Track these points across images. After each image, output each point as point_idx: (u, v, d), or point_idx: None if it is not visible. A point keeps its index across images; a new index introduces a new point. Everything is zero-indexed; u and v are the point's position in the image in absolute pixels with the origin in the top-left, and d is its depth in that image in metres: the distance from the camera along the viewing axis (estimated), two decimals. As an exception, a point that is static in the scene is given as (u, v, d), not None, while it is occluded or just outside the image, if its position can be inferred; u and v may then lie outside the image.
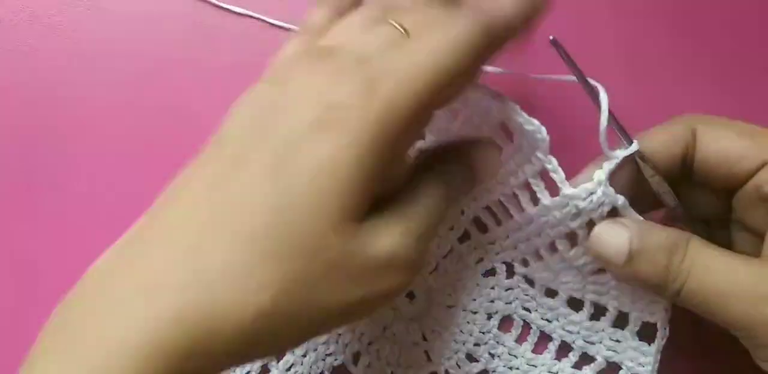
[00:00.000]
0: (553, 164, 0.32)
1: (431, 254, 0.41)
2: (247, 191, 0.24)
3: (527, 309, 0.40)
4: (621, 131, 0.33)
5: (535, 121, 0.31)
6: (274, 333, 0.24)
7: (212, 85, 0.46)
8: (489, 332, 0.40)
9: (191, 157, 0.45)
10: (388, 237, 0.26)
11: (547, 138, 0.31)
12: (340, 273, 0.25)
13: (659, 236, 0.30)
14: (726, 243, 0.34)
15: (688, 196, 0.35)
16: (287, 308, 0.23)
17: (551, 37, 0.33)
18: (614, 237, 0.31)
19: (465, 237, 0.41)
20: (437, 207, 0.29)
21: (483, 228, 0.40)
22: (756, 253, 0.31)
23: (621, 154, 0.32)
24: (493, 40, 0.27)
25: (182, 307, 0.22)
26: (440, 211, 0.29)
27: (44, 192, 0.44)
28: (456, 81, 0.26)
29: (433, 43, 0.26)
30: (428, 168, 0.30)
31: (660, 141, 0.33)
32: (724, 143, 0.32)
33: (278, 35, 0.47)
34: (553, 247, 0.36)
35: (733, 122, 0.33)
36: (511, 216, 0.37)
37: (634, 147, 0.32)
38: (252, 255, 0.23)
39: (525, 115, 0.31)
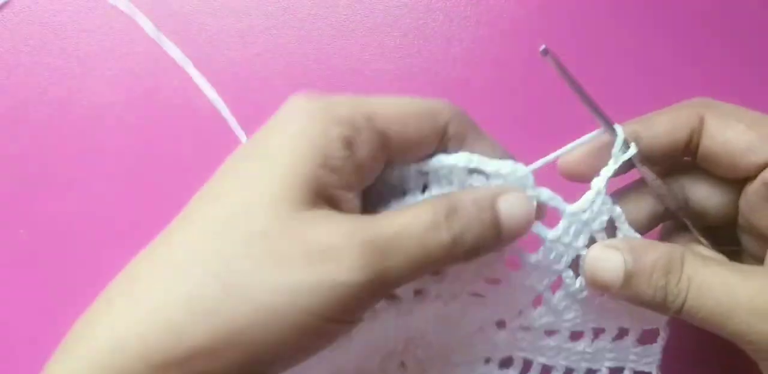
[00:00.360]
0: (545, 193, 0.31)
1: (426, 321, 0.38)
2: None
3: (526, 351, 0.39)
4: (607, 124, 0.31)
5: (508, 163, 0.30)
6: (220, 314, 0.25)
7: (214, 82, 0.46)
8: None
9: (190, 153, 0.44)
10: (331, 229, 0.26)
11: (529, 173, 0.30)
12: (276, 251, 0.26)
13: (653, 256, 0.30)
14: (733, 246, 0.34)
15: (692, 189, 0.34)
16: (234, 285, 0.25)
17: (542, 47, 0.31)
18: (607, 261, 0.30)
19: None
20: (416, 223, 0.27)
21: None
22: (763, 257, 0.30)
23: (618, 157, 0.31)
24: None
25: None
26: (419, 228, 0.27)
27: (42, 194, 0.44)
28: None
29: None
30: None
31: (664, 126, 0.32)
32: (731, 135, 0.31)
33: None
34: (557, 285, 0.34)
35: (745, 111, 0.32)
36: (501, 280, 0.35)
37: (632, 150, 0.31)
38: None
39: (494, 161, 0.30)
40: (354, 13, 0.47)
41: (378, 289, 0.27)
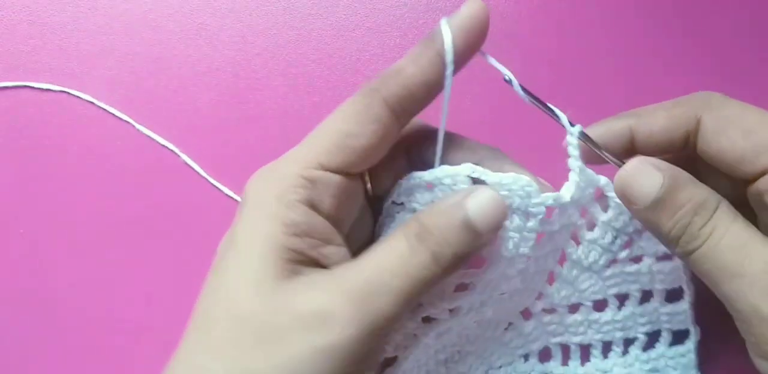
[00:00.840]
0: (551, 197, 0.31)
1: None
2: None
3: (558, 334, 0.40)
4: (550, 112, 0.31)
5: (510, 174, 0.31)
6: None
7: (212, 83, 0.46)
8: (533, 371, 0.40)
9: (190, 151, 0.44)
10: (315, 292, 0.28)
11: (532, 182, 0.31)
12: (268, 328, 0.27)
13: (690, 192, 0.29)
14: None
15: (698, 176, 0.33)
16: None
17: (506, 77, 0.32)
18: (646, 178, 0.29)
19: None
20: (392, 256, 0.28)
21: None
22: None
23: (571, 140, 0.31)
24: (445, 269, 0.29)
25: None
26: (398, 259, 0.28)
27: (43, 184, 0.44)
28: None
29: None
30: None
31: (660, 123, 0.31)
32: (725, 144, 0.30)
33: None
34: (563, 258, 0.36)
35: (744, 113, 0.30)
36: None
37: (576, 130, 0.31)
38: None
39: (496, 174, 0.31)
40: (354, 13, 0.47)
41: (377, 331, 0.28)
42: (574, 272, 0.36)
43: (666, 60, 0.46)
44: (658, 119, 0.32)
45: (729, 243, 0.28)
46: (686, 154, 0.33)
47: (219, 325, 0.28)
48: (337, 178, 0.30)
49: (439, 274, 0.29)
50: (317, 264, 0.30)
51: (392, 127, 0.30)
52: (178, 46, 0.46)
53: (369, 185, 0.33)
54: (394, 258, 0.28)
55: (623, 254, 0.36)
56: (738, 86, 0.45)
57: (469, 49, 0.31)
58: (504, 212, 0.29)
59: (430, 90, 0.30)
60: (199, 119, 0.45)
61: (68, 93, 0.46)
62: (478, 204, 0.29)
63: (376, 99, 0.30)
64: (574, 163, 0.32)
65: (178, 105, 0.45)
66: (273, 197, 0.29)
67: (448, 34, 0.30)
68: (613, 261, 0.36)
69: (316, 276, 0.29)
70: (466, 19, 0.31)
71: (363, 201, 0.33)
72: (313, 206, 0.29)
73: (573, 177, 0.32)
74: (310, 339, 0.27)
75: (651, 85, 0.46)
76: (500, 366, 0.39)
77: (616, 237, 0.35)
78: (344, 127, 0.30)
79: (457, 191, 0.30)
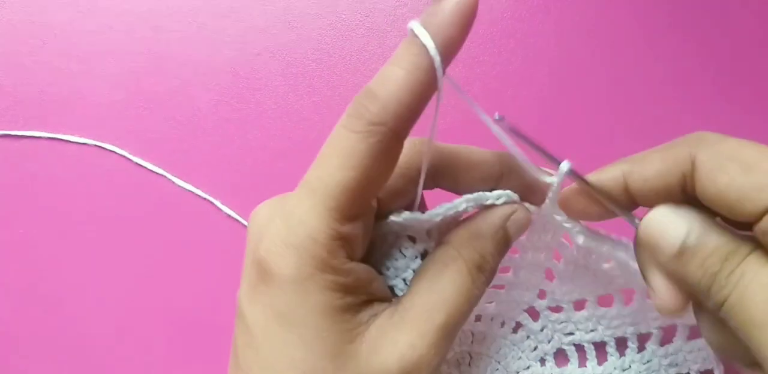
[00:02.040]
0: (532, 208, 0.32)
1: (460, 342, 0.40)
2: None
3: (570, 334, 0.40)
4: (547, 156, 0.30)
5: (498, 192, 0.31)
6: None
7: (211, 83, 0.46)
8: None
9: (190, 151, 0.44)
10: (396, 346, 0.28)
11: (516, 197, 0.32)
12: None
13: (719, 238, 0.27)
14: None
15: None
16: None
17: (497, 116, 0.29)
18: (672, 225, 0.28)
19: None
20: (459, 295, 0.30)
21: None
22: None
23: (551, 179, 0.31)
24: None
25: None
26: (464, 298, 0.30)
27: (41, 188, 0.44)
28: None
29: None
30: (443, 245, 0.31)
31: (654, 168, 0.29)
32: (724, 181, 0.27)
33: (278, 35, 0.47)
34: (557, 255, 0.36)
35: (740, 149, 0.27)
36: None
37: (564, 166, 0.30)
38: None
39: (487, 194, 0.31)
40: (354, 13, 0.47)
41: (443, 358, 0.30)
42: (571, 268, 0.36)
43: (665, 65, 0.46)
44: (651, 164, 0.29)
45: (756, 290, 0.26)
46: (686, 200, 0.30)
47: None
48: (360, 224, 0.28)
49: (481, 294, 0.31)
50: (369, 301, 0.30)
51: (399, 152, 0.28)
52: (177, 46, 0.46)
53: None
54: (462, 297, 0.30)
55: (621, 255, 0.35)
56: (738, 91, 0.45)
57: (455, 45, 0.27)
58: (528, 225, 0.32)
59: (429, 95, 0.28)
60: (199, 119, 0.45)
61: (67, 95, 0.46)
62: (516, 224, 0.31)
63: (387, 136, 0.26)
64: (552, 210, 0.32)
65: (177, 105, 0.45)
66: (314, 268, 0.27)
67: (426, 37, 0.26)
68: (608, 261, 0.36)
69: (386, 326, 0.29)
70: (445, 16, 0.27)
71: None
72: (351, 258, 0.28)
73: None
74: None
75: (651, 89, 0.46)
76: (517, 372, 0.40)
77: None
78: (357, 175, 0.27)
79: (493, 210, 0.31)
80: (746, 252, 0.27)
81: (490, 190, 0.32)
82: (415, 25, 0.26)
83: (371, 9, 0.47)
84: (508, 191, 0.32)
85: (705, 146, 0.28)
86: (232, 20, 0.47)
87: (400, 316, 0.29)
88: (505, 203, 0.31)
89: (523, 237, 0.35)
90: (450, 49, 0.27)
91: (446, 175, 0.32)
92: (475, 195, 0.31)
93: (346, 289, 0.28)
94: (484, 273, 0.30)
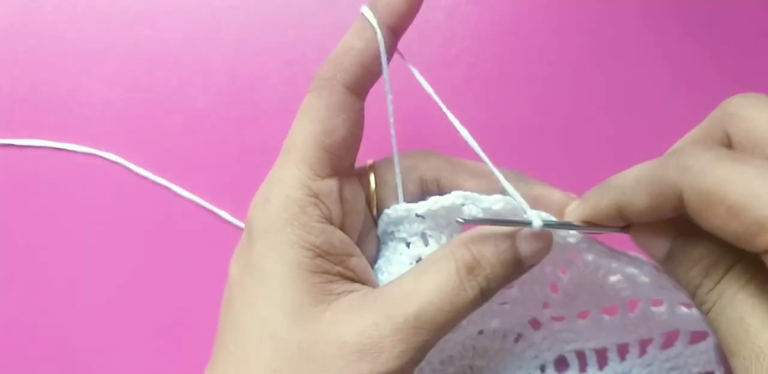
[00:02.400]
0: (544, 215, 0.30)
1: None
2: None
3: (572, 341, 0.39)
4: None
5: (497, 197, 0.31)
6: None
7: (210, 82, 0.46)
8: None
9: (190, 152, 0.44)
10: (361, 321, 0.28)
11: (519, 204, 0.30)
12: (312, 358, 0.27)
13: (702, 250, 0.26)
14: None
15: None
16: None
17: (460, 220, 0.30)
18: (657, 234, 0.28)
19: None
20: (440, 291, 0.28)
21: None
22: None
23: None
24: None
25: None
26: (446, 295, 0.28)
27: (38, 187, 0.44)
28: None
29: None
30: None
31: (643, 205, 0.27)
32: (715, 223, 0.24)
33: (277, 34, 0.47)
34: (564, 269, 0.35)
35: (724, 188, 0.23)
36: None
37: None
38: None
39: (486, 197, 0.31)
40: (354, 12, 0.47)
41: (417, 361, 0.28)
42: (577, 282, 0.35)
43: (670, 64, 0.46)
44: (640, 201, 0.27)
45: (730, 315, 0.25)
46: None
47: (258, 355, 0.28)
48: (335, 183, 0.30)
49: (479, 304, 0.29)
50: (346, 277, 0.30)
51: (358, 108, 0.31)
52: (175, 45, 0.46)
53: (375, 206, 0.34)
54: (444, 293, 0.28)
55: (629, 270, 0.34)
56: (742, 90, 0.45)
57: (403, 23, 0.32)
58: (550, 246, 0.30)
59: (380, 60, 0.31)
60: (198, 118, 0.45)
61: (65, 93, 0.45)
62: (529, 243, 0.29)
63: (336, 87, 0.30)
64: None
65: (175, 104, 0.45)
66: (285, 221, 0.29)
67: (373, 19, 0.31)
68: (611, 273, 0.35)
69: (356, 301, 0.29)
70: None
71: (365, 210, 0.33)
72: (326, 219, 0.30)
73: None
74: (356, 370, 0.27)
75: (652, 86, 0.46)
76: None
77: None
78: (317, 128, 0.30)
79: (507, 220, 0.30)
80: (726, 267, 0.26)
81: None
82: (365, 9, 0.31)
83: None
84: (508, 197, 0.30)
85: (689, 183, 0.25)
86: (231, 19, 0.47)
87: (374, 297, 0.29)
88: (504, 209, 0.30)
89: None
90: (396, 19, 0.31)
91: (450, 183, 0.33)
92: (470, 193, 0.31)
93: (316, 249, 0.29)
94: (476, 276, 0.29)
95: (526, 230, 0.29)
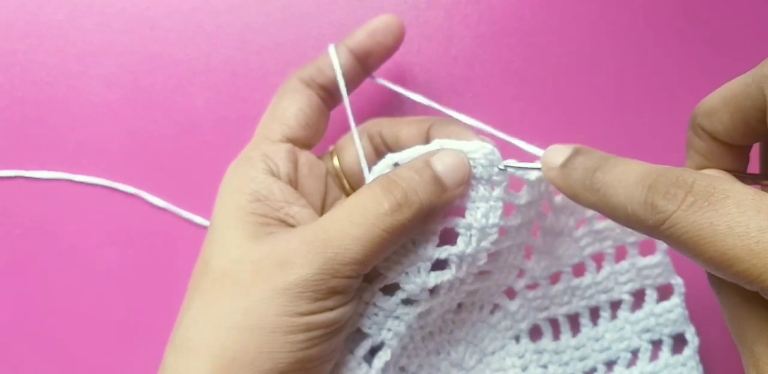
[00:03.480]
0: (512, 163, 0.33)
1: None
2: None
3: (545, 309, 0.40)
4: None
5: (474, 142, 0.33)
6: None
7: (210, 82, 0.46)
8: (526, 351, 0.40)
9: (189, 153, 0.44)
10: (276, 242, 0.31)
11: (494, 149, 0.33)
12: (233, 278, 0.31)
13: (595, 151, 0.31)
14: None
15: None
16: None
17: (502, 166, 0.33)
18: (560, 148, 0.31)
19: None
20: (354, 206, 0.31)
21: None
22: None
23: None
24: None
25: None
26: (361, 208, 0.31)
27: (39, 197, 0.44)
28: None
29: None
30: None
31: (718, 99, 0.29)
32: None
33: (277, 34, 0.46)
34: (536, 229, 0.36)
35: None
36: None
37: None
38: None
39: (461, 143, 0.33)
40: (354, 11, 0.47)
41: (336, 272, 0.30)
42: (548, 239, 0.37)
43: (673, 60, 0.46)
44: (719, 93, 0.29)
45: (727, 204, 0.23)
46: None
47: (195, 285, 0.32)
48: (284, 146, 0.36)
49: (405, 223, 0.30)
50: (287, 224, 0.33)
51: (313, 98, 0.37)
52: (175, 45, 0.46)
53: (346, 183, 0.39)
54: (355, 208, 0.30)
55: (589, 213, 0.36)
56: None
57: (373, 61, 0.39)
58: (467, 169, 0.32)
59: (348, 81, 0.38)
60: (198, 118, 0.45)
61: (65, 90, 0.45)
62: (443, 160, 0.32)
63: (292, 81, 0.38)
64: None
65: (175, 104, 0.45)
66: (237, 176, 0.35)
67: (335, 59, 0.37)
68: (581, 221, 0.37)
69: (282, 232, 0.32)
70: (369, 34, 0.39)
71: (324, 180, 0.38)
72: (271, 173, 0.34)
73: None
74: (270, 282, 0.30)
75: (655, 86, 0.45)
76: (493, 352, 0.39)
77: None
78: (275, 108, 0.37)
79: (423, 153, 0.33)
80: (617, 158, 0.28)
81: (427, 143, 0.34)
82: (331, 48, 0.38)
83: (371, 7, 0.47)
84: (487, 144, 0.32)
85: None
86: (231, 19, 0.47)
87: (298, 227, 0.32)
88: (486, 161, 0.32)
89: (512, 221, 0.34)
90: (366, 55, 0.38)
91: (390, 135, 0.37)
92: (448, 140, 0.33)
93: (254, 194, 0.33)
94: (392, 191, 0.31)
95: (443, 152, 0.32)
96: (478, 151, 0.32)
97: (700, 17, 0.47)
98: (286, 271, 0.29)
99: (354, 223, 0.30)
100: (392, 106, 0.45)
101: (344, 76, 0.37)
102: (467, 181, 0.32)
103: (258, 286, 0.30)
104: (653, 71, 0.46)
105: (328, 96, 0.38)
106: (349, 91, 0.37)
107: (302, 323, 0.29)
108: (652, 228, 0.24)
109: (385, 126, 0.37)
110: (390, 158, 0.33)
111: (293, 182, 0.35)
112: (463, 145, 0.32)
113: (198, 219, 0.43)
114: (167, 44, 0.46)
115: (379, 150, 0.38)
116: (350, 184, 0.39)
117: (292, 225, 0.33)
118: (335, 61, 0.37)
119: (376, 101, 0.44)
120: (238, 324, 0.29)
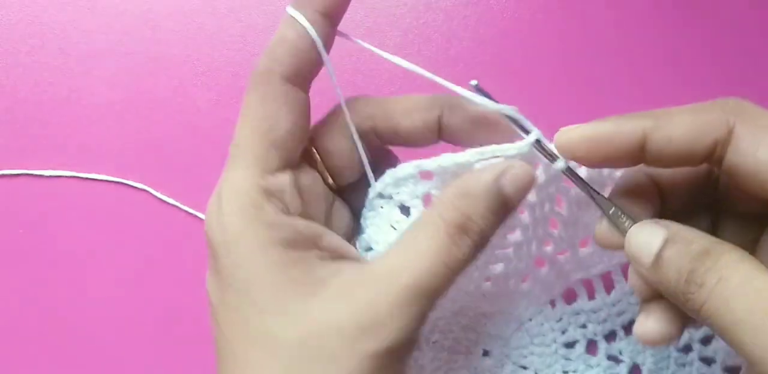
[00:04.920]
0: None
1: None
2: None
3: (576, 271, 0.39)
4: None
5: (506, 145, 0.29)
6: None
7: (211, 83, 0.46)
8: (563, 314, 0.40)
9: (188, 154, 0.44)
10: (353, 301, 0.27)
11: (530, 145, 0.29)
12: (318, 350, 0.27)
13: (692, 240, 0.26)
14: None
15: (720, 194, 0.30)
16: None
17: (474, 83, 0.30)
18: (647, 236, 0.27)
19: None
20: (434, 256, 0.27)
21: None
22: None
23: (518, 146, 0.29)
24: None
25: None
26: (440, 260, 0.27)
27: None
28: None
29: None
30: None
31: (683, 129, 0.26)
32: (763, 157, 0.25)
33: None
34: (559, 201, 0.35)
35: None
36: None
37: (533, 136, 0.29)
38: None
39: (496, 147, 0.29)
40: (354, 13, 0.47)
41: (420, 327, 0.27)
42: (573, 209, 0.35)
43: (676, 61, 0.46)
44: (681, 123, 0.27)
45: (734, 288, 0.24)
46: (704, 169, 0.29)
47: (262, 366, 0.27)
48: (287, 176, 0.29)
49: (474, 257, 0.28)
50: (323, 259, 0.29)
51: (300, 98, 0.29)
52: (177, 46, 0.46)
53: (328, 177, 0.32)
54: (437, 258, 0.27)
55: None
56: (744, 90, 0.45)
57: (337, 8, 0.31)
58: (533, 181, 0.28)
59: (318, 49, 0.29)
60: (199, 119, 0.45)
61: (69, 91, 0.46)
62: (514, 182, 0.28)
63: (273, 79, 0.29)
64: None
65: (177, 105, 0.45)
66: (243, 226, 0.28)
67: (300, 16, 0.29)
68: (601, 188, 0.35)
69: (346, 283, 0.28)
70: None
71: (324, 191, 0.32)
72: (283, 213, 0.28)
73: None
74: (363, 350, 0.26)
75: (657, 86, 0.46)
76: (530, 319, 0.40)
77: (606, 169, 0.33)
78: (261, 124, 0.29)
79: (483, 168, 0.28)
80: (721, 249, 0.25)
81: (438, 136, 0.30)
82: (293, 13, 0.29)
83: (371, 9, 0.47)
84: (521, 143, 0.29)
85: (744, 117, 0.26)
86: (232, 20, 0.47)
87: (363, 274, 0.28)
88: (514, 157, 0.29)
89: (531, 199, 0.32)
90: (329, 5, 0.30)
91: (386, 128, 0.31)
92: (486, 148, 0.29)
93: (284, 243, 0.27)
94: (469, 234, 0.27)
95: (510, 175, 0.28)
96: (518, 149, 0.29)
97: (700, 17, 0.47)
98: (379, 338, 0.26)
99: (435, 276, 0.27)
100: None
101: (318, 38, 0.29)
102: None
103: (349, 357, 0.26)
104: (653, 73, 0.46)
105: (307, 82, 0.30)
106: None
107: (399, 368, 0.28)
108: None
109: (378, 119, 0.31)
110: (416, 166, 0.30)
111: (307, 214, 0.30)
112: (504, 150, 0.29)
113: (202, 215, 0.43)
114: (169, 45, 0.46)
115: (369, 138, 0.32)
116: (333, 178, 0.32)
117: (329, 259, 0.29)
118: (302, 21, 0.29)
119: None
120: None
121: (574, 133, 0.28)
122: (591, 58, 0.46)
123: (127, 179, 0.44)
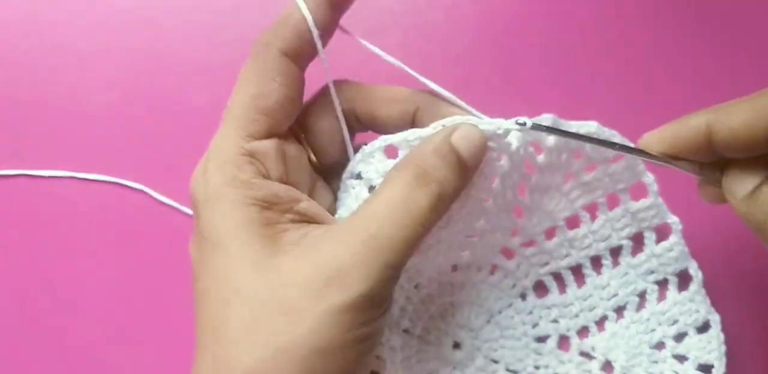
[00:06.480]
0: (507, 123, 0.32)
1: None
2: None
3: (545, 264, 0.40)
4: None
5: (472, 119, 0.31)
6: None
7: (210, 82, 0.46)
8: (534, 307, 0.40)
9: (188, 154, 0.44)
10: (317, 254, 0.28)
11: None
12: (283, 303, 0.27)
13: None
14: None
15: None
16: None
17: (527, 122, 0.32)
18: (746, 168, 0.29)
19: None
20: (395, 205, 0.28)
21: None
22: None
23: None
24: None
25: None
26: (403, 206, 0.28)
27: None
28: None
29: None
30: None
31: (742, 117, 0.28)
32: None
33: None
34: (522, 189, 0.36)
35: None
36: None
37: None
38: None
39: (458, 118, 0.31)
40: (354, 13, 0.47)
41: (387, 281, 0.28)
42: (536, 196, 0.36)
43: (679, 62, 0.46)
44: (739, 112, 0.28)
45: None
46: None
47: (230, 318, 0.28)
48: (271, 143, 0.31)
49: (440, 210, 0.29)
50: (298, 222, 0.30)
51: (294, 73, 0.31)
52: (175, 45, 0.46)
53: (312, 155, 0.34)
54: (399, 206, 0.28)
55: (575, 166, 0.36)
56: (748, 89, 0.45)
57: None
58: (485, 144, 0.30)
59: (322, 32, 0.31)
60: (198, 120, 0.45)
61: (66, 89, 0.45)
62: (464, 138, 0.30)
63: (271, 53, 0.30)
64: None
65: (175, 104, 0.45)
66: (223, 184, 0.29)
67: (303, 5, 0.31)
68: (569, 176, 0.36)
69: (312, 240, 0.29)
70: None
71: (309, 167, 0.33)
72: (263, 176, 0.30)
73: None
74: (327, 302, 0.27)
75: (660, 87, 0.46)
76: (500, 311, 0.40)
77: (562, 153, 0.35)
78: (252, 91, 0.30)
79: (437, 131, 0.30)
80: None
81: (411, 127, 0.32)
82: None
83: (371, 9, 0.47)
84: (493, 120, 0.31)
85: None
86: (231, 19, 0.47)
87: (330, 231, 0.29)
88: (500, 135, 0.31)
89: (492, 184, 0.34)
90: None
91: (365, 113, 0.33)
92: (448, 119, 0.31)
93: (261, 203, 0.29)
94: (429, 185, 0.28)
95: (459, 131, 0.30)
96: (490, 125, 0.31)
97: (700, 18, 0.47)
98: (342, 287, 0.27)
99: (398, 226, 0.28)
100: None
101: (317, 26, 0.31)
102: (483, 158, 0.31)
103: (314, 309, 0.27)
104: (655, 73, 0.46)
105: (305, 61, 0.32)
106: (324, 44, 0.32)
107: (367, 332, 0.28)
108: None
109: (358, 101, 0.33)
110: (383, 140, 0.32)
111: (288, 182, 0.31)
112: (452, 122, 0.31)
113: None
114: (168, 44, 0.46)
115: (351, 122, 0.34)
116: (317, 156, 0.34)
117: (305, 222, 0.30)
118: (305, 11, 0.31)
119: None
120: (304, 348, 0.27)
121: (655, 133, 0.31)
122: (593, 58, 0.46)
123: (125, 179, 0.44)
